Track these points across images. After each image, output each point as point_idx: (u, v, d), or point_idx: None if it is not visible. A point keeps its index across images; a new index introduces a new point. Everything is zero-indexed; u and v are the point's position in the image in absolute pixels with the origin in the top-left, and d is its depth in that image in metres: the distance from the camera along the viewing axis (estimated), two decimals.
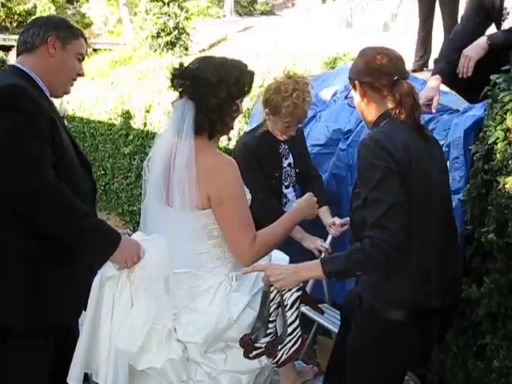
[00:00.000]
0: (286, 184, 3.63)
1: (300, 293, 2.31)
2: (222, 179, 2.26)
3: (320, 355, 3.89)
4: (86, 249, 2.44)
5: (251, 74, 2.39)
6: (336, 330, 3.22)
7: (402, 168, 2.18)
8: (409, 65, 6.63)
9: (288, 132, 3.48)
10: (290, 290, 2.29)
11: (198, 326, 2.28)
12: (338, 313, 3.39)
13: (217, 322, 2.28)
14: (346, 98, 2.62)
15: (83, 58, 2.69)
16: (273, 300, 2.31)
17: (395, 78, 2.33)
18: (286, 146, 3.62)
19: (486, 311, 2.61)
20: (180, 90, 2.29)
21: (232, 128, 2.43)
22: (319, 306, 3.57)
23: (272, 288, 2.29)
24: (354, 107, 2.53)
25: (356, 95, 2.44)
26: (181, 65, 2.32)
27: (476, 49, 3.40)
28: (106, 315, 2.32)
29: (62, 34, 2.56)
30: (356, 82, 2.41)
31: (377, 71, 2.34)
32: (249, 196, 2.43)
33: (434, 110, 3.37)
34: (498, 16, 3.61)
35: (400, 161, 2.18)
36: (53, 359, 2.52)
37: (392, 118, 2.32)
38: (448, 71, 3.52)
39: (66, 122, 2.90)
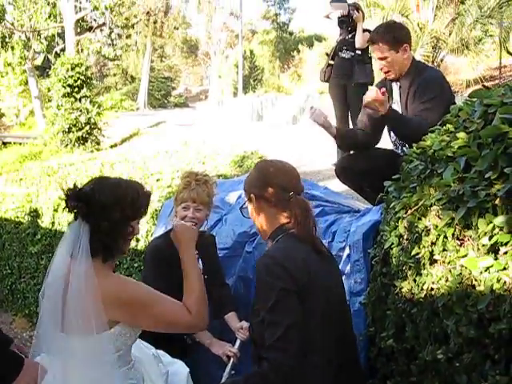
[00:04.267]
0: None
1: None
2: (127, 297, 2.21)
3: None
4: None
5: (147, 195, 2.37)
6: None
7: (300, 285, 2.21)
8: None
9: (187, 216, 3.36)
10: None
11: None
12: None
13: None
14: (241, 208, 2.65)
15: None
16: None
17: (290, 193, 2.38)
18: (196, 252, 3.60)
19: None
20: (74, 211, 2.24)
21: (125, 252, 2.39)
22: None
23: None
24: (249, 217, 2.56)
25: (250, 207, 2.49)
26: (75, 186, 2.27)
27: (379, 103, 3.55)
28: None
29: None
30: (251, 195, 2.46)
31: (272, 186, 2.39)
32: None
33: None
34: None
35: (298, 278, 2.21)
36: None
37: (288, 233, 2.37)
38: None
39: None
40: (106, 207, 2.21)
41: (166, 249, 3.44)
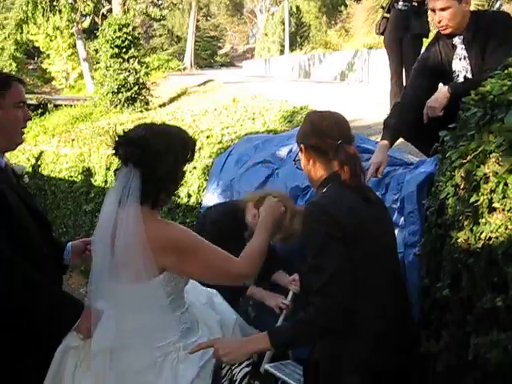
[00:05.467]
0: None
1: (249, 368, 2.34)
2: (176, 241, 2.24)
3: None
4: (48, 320, 2.41)
5: (193, 141, 2.38)
6: None
7: (346, 233, 2.22)
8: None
9: None
10: (239, 365, 2.32)
11: None
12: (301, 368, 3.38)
13: None
14: (294, 160, 2.66)
15: (24, 103, 2.59)
16: (224, 376, 2.32)
17: (339, 141, 2.38)
18: (252, 232, 3.61)
19: (445, 364, 2.61)
20: (125, 158, 2.24)
21: (174, 195, 2.42)
22: (283, 362, 3.60)
23: (223, 365, 2.30)
24: (302, 169, 2.57)
25: (303, 158, 2.50)
26: (125, 132, 2.28)
27: (439, 99, 3.52)
28: (67, 381, 2.30)
29: None
30: (302, 145, 2.47)
31: (321, 135, 2.40)
32: None
33: (379, 176, 3.46)
34: (448, 77, 3.73)
35: (344, 226, 2.22)
36: None
37: (337, 182, 2.37)
38: (397, 136, 3.69)
39: (26, 179, 2.86)
40: (160, 152, 2.21)
41: (225, 224, 3.46)
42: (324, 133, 2.40)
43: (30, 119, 2.65)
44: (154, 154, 2.20)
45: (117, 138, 2.25)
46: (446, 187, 2.65)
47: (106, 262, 2.25)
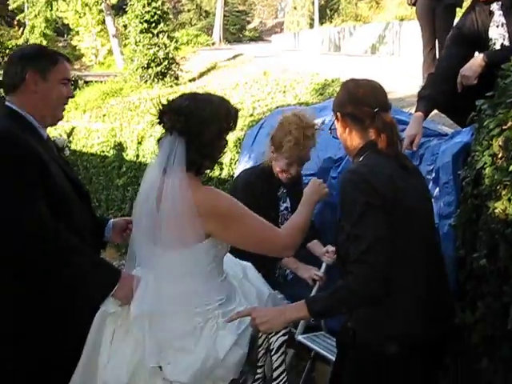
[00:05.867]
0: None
1: (286, 337, 2.33)
2: (221, 207, 2.26)
3: (319, 382, 3.87)
4: (85, 287, 2.44)
5: (236, 110, 2.40)
6: (333, 358, 3.21)
7: (386, 201, 2.19)
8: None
9: (288, 171, 3.45)
10: (276, 334, 2.31)
11: (185, 366, 2.24)
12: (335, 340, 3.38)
13: (203, 361, 2.24)
14: (330, 129, 2.64)
15: (69, 81, 2.64)
16: (261, 345, 2.32)
17: (376, 109, 2.35)
18: (285, 190, 3.62)
19: (481, 335, 2.60)
20: (170, 126, 2.26)
21: (218, 163, 2.44)
22: (316, 333, 3.61)
23: (260, 334, 2.30)
24: (338, 138, 2.55)
25: (339, 126, 2.47)
26: (169, 101, 2.31)
27: (473, 67, 3.45)
28: (104, 347, 2.34)
29: (40, 65, 2.51)
30: (338, 113, 2.44)
31: (358, 103, 2.37)
32: None
33: (415, 148, 3.39)
34: (484, 46, 3.64)
35: (384, 194, 2.19)
36: None
37: (374, 150, 2.35)
38: (431, 108, 3.62)
39: (67, 152, 2.90)
40: (204, 121, 2.24)
41: (258, 186, 3.47)
42: (360, 100, 2.37)
43: (73, 97, 2.70)
44: (199, 122, 2.24)
45: (161, 107, 2.28)
46: (483, 157, 2.62)
47: (150, 229, 2.27)
